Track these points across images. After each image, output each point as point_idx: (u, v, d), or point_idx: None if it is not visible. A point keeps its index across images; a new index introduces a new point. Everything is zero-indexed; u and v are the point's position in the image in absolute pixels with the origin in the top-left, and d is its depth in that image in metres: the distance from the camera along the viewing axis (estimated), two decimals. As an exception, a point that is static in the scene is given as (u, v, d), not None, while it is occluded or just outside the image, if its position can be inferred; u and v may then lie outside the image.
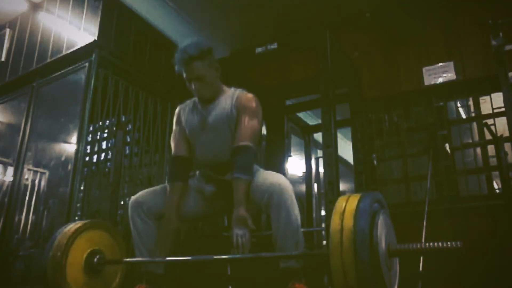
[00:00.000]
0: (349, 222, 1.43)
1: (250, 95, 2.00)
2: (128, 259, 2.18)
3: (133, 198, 2.02)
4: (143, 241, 1.96)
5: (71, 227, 1.99)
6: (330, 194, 2.70)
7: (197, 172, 2.13)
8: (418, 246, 1.49)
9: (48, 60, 3.69)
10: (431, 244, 1.47)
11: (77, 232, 1.97)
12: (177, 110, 2.16)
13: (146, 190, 2.07)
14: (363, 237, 1.39)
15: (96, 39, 3.35)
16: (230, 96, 2.02)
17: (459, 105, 3.65)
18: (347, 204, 1.50)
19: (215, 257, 1.87)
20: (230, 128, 1.96)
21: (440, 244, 1.45)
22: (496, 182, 3.61)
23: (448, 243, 1.44)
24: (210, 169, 2.02)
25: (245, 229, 1.72)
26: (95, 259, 2.00)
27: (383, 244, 1.46)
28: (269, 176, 1.85)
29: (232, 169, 1.84)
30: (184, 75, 1.97)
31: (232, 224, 1.74)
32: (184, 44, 1.98)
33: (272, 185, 1.76)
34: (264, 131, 2.12)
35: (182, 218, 2.00)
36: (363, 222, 1.42)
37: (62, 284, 1.88)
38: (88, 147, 3.30)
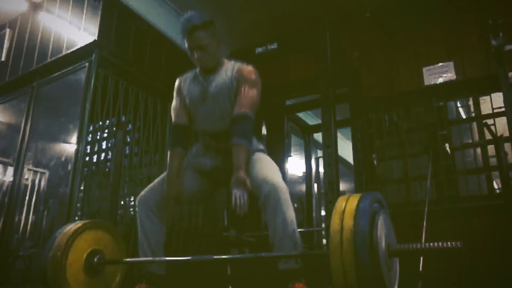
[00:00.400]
0: (349, 222, 1.43)
1: (250, 67, 2.04)
2: (128, 259, 2.19)
3: (139, 197, 2.03)
4: (149, 242, 1.96)
5: (71, 227, 1.99)
6: (330, 194, 2.70)
7: (194, 147, 2.14)
8: (418, 246, 1.49)
9: (48, 60, 3.69)
10: (431, 244, 1.47)
11: (77, 232, 1.97)
12: (177, 81, 2.18)
13: (148, 187, 2.08)
14: (363, 237, 1.39)
15: (96, 39, 3.34)
16: (230, 67, 2.05)
17: (459, 105, 3.66)
18: (347, 204, 1.50)
19: (215, 257, 1.88)
20: (230, 98, 2.00)
21: (440, 244, 1.45)
22: (496, 182, 3.61)
23: (448, 243, 1.44)
24: (210, 138, 2.05)
25: (243, 190, 1.76)
26: (95, 259, 2.00)
27: (383, 244, 1.46)
28: (265, 171, 1.87)
29: (231, 136, 1.88)
30: (187, 44, 2.00)
31: (231, 185, 1.78)
32: (188, 14, 2.01)
33: (267, 184, 1.79)
34: (264, 131, 2.13)
35: (181, 199, 2.01)
36: (363, 222, 1.42)
37: (62, 284, 1.88)
38: (88, 147, 3.30)
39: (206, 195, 2.16)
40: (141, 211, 1.99)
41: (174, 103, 2.15)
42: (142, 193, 2.04)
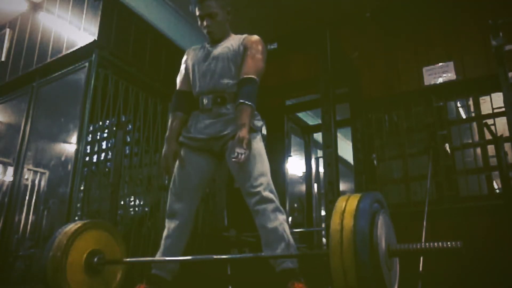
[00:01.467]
0: (349, 222, 1.43)
1: (257, 37, 2.10)
2: (128, 259, 2.18)
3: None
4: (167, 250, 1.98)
5: (71, 227, 1.99)
6: (330, 194, 2.70)
7: (189, 123, 2.11)
8: (418, 246, 1.49)
9: (48, 60, 3.69)
10: (431, 244, 1.47)
11: (77, 232, 1.97)
12: (186, 52, 2.25)
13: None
14: (363, 237, 1.39)
15: (96, 39, 3.35)
16: (238, 38, 2.12)
17: (459, 105, 3.65)
18: (347, 204, 1.50)
19: (215, 257, 1.87)
20: (234, 60, 2.04)
21: (440, 244, 1.45)
22: (496, 182, 3.61)
23: (448, 243, 1.44)
24: (207, 100, 2.05)
25: (246, 149, 1.79)
26: (95, 259, 2.00)
27: (383, 244, 1.45)
28: (253, 177, 1.87)
29: (238, 96, 1.93)
30: (197, 12, 2.07)
31: (234, 142, 1.82)
32: None
33: (254, 197, 1.83)
34: (264, 131, 2.12)
35: (191, 188, 2.03)
36: (363, 222, 1.42)
37: (62, 284, 1.88)
38: (88, 147, 3.30)
39: (209, 175, 2.12)
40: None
41: (180, 71, 2.21)
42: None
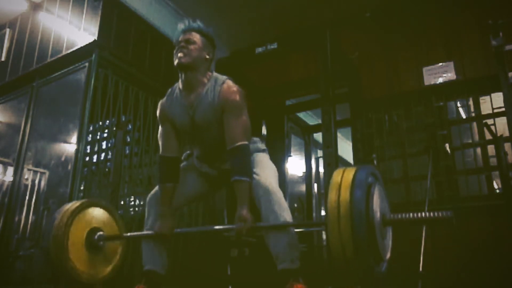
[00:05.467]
0: (345, 194, 1.48)
1: (232, 88, 1.92)
2: (127, 234, 2.23)
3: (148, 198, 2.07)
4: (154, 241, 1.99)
5: (70, 206, 2.05)
6: (330, 194, 2.69)
7: (195, 155, 2.12)
8: (410, 216, 1.56)
9: (48, 60, 3.69)
10: (422, 214, 1.54)
11: (76, 211, 2.03)
12: (159, 107, 2.08)
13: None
14: (359, 209, 1.45)
15: (96, 39, 3.35)
16: (211, 88, 1.94)
17: (459, 105, 3.65)
18: (343, 177, 1.54)
19: (216, 227, 1.99)
20: (219, 124, 1.93)
21: (431, 214, 1.52)
22: (496, 182, 3.61)
23: (439, 212, 1.51)
24: (205, 159, 2.07)
25: (245, 225, 1.78)
26: (96, 236, 2.06)
27: (378, 215, 1.52)
28: (261, 174, 1.88)
29: (231, 172, 1.85)
30: (179, 39, 1.95)
31: (235, 221, 1.80)
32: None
33: (261, 188, 1.82)
34: (264, 131, 2.13)
35: (182, 201, 2.05)
36: (359, 194, 1.47)
37: (65, 262, 1.94)
38: (88, 147, 3.30)
39: (206, 195, 2.16)
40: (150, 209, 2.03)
41: (160, 131, 2.07)
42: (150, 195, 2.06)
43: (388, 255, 1.63)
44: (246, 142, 1.88)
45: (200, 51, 1.95)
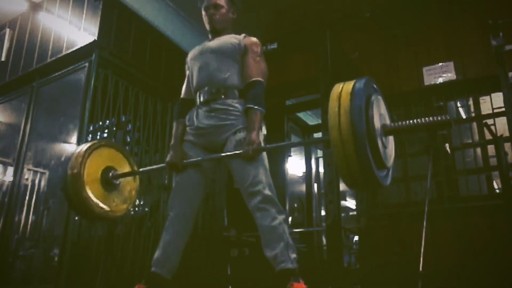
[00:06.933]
0: (346, 101, 1.51)
1: (256, 39, 2.13)
2: (141, 169, 2.33)
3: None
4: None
5: (83, 147, 2.11)
6: (330, 194, 2.70)
7: (188, 118, 2.12)
8: (410, 123, 1.62)
9: (48, 60, 3.69)
10: (422, 120, 1.59)
11: (89, 150, 2.09)
12: (188, 55, 2.27)
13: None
14: (359, 114, 1.48)
15: (96, 39, 3.34)
16: (238, 35, 2.14)
17: (459, 105, 3.65)
18: (343, 88, 1.58)
19: (222, 154, 1.94)
20: (232, 55, 2.06)
21: (430, 119, 1.57)
22: (496, 182, 3.61)
23: (438, 117, 1.56)
24: (204, 94, 2.06)
25: (254, 148, 1.86)
26: (110, 174, 2.14)
27: (378, 123, 1.56)
28: (253, 180, 1.87)
29: (246, 101, 1.99)
30: (204, 4, 2.15)
31: (244, 143, 1.88)
32: None
33: (254, 198, 1.84)
34: (264, 131, 2.12)
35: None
36: (358, 101, 1.51)
37: (80, 190, 1.99)
38: (88, 147, 3.29)
39: (208, 173, 2.12)
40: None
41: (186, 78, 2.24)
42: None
43: (391, 163, 1.68)
44: (263, 80, 2.04)
45: (227, 13, 2.17)
